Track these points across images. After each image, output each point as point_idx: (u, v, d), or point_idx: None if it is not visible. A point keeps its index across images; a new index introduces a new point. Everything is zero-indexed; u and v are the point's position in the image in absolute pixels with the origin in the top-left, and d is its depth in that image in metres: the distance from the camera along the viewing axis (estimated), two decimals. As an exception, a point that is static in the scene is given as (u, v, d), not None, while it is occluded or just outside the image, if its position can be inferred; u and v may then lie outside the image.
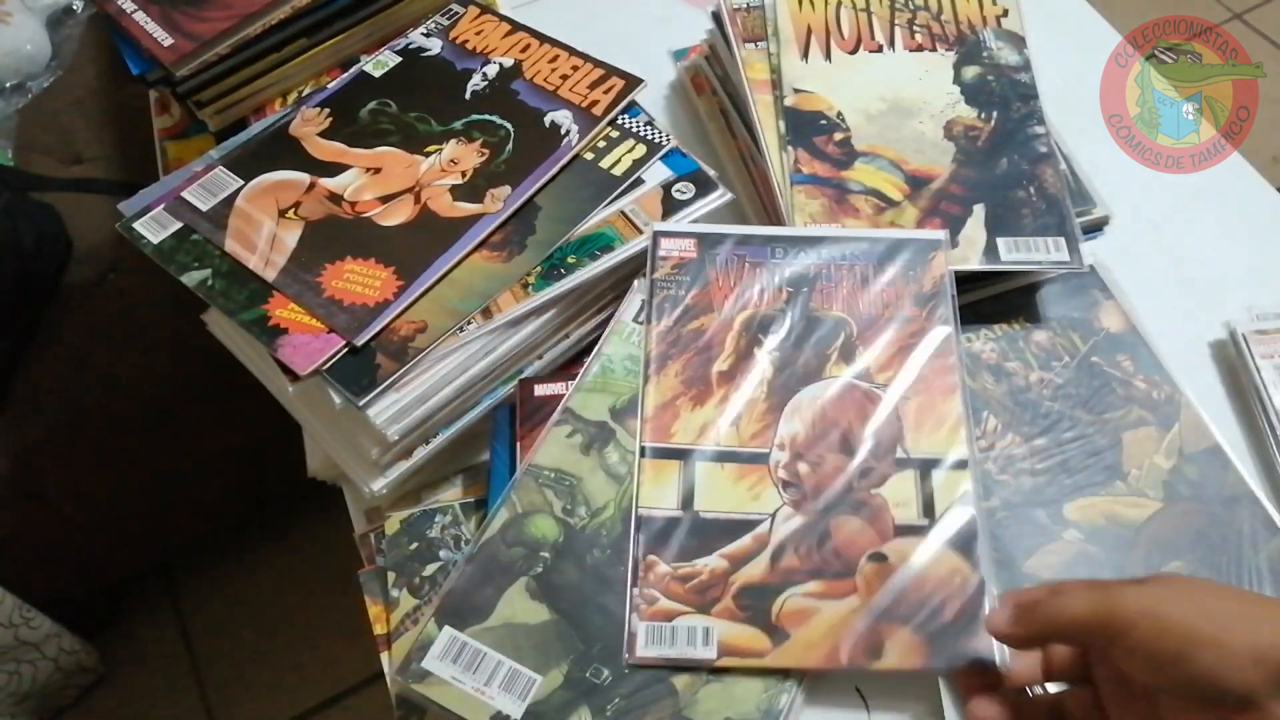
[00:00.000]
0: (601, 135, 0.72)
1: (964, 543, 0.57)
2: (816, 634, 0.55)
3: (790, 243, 0.67)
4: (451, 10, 0.81)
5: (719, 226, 0.69)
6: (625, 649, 0.54)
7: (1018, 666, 0.51)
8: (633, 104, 0.74)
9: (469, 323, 0.63)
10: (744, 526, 0.58)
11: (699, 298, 0.65)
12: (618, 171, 0.70)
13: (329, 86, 0.77)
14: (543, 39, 0.78)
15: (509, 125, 0.72)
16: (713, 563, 0.57)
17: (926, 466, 0.59)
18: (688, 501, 0.59)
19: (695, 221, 0.69)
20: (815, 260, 0.67)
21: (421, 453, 0.66)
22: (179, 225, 0.67)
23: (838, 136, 0.75)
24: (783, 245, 0.67)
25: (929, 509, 0.58)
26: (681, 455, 0.60)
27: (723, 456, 0.60)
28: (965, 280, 0.74)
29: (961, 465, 0.59)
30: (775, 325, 0.64)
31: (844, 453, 0.60)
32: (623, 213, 0.68)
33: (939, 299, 0.65)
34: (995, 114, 0.77)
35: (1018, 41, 0.81)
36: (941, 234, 0.68)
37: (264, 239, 0.66)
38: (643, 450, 0.60)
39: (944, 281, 0.65)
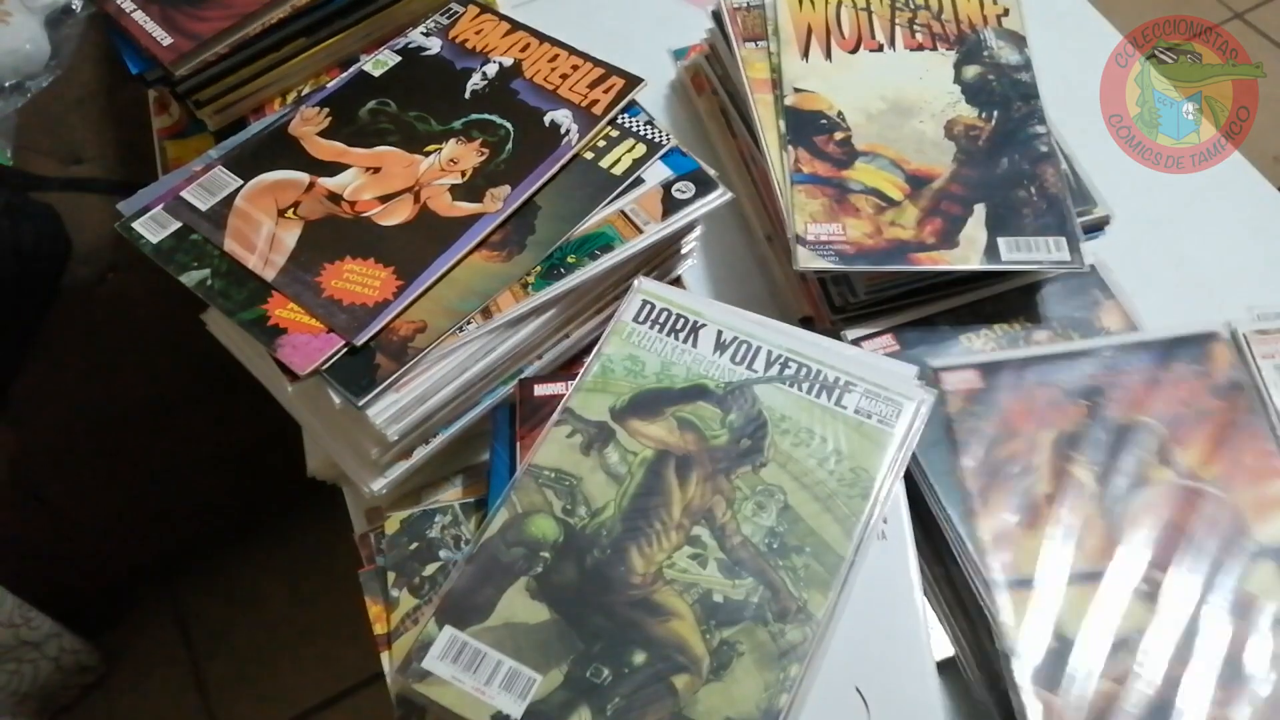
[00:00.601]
0: (601, 135, 0.72)
1: None
2: None
3: (1070, 358, 0.68)
4: (451, 9, 0.81)
5: (994, 354, 0.69)
6: None
7: None
8: (633, 103, 0.74)
9: (469, 323, 0.63)
10: (1122, 646, 0.57)
11: (1000, 426, 0.65)
12: (618, 171, 0.70)
13: (328, 86, 0.77)
14: (542, 38, 0.78)
15: (509, 125, 0.72)
16: (1101, 686, 0.56)
17: None
18: (1060, 630, 0.58)
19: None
20: (1100, 370, 0.67)
21: (421, 453, 0.66)
22: (178, 225, 0.67)
23: (838, 136, 0.75)
24: (1064, 360, 0.68)
25: None
26: (1037, 584, 0.59)
27: (1078, 578, 0.59)
28: (965, 280, 0.74)
29: None
30: (1083, 440, 0.64)
31: (1197, 555, 0.60)
32: (622, 212, 0.68)
33: (1237, 388, 0.66)
34: (996, 113, 0.76)
35: (1018, 41, 0.81)
36: (1218, 325, 0.69)
37: (263, 239, 0.66)
38: (994, 584, 0.59)
39: (1232, 371, 0.67)
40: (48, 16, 1.32)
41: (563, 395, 0.63)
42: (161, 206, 0.68)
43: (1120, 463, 0.63)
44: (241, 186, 0.69)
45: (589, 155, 0.71)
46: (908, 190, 0.73)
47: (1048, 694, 0.56)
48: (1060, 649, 0.57)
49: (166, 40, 0.77)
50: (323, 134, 0.73)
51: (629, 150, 0.71)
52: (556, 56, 0.77)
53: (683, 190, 0.69)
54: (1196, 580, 0.59)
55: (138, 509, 1.26)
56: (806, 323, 0.75)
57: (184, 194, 0.69)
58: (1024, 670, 0.56)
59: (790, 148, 0.75)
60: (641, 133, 0.72)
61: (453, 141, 0.71)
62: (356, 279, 0.64)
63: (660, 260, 0.73)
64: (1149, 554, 0.60)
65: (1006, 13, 0.82)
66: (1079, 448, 0.64)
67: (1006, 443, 0.64)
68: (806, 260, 0.70)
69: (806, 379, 0.62)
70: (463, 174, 0.69)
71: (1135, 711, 0.55)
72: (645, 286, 0.67)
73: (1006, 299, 0.73)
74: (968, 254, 0.70)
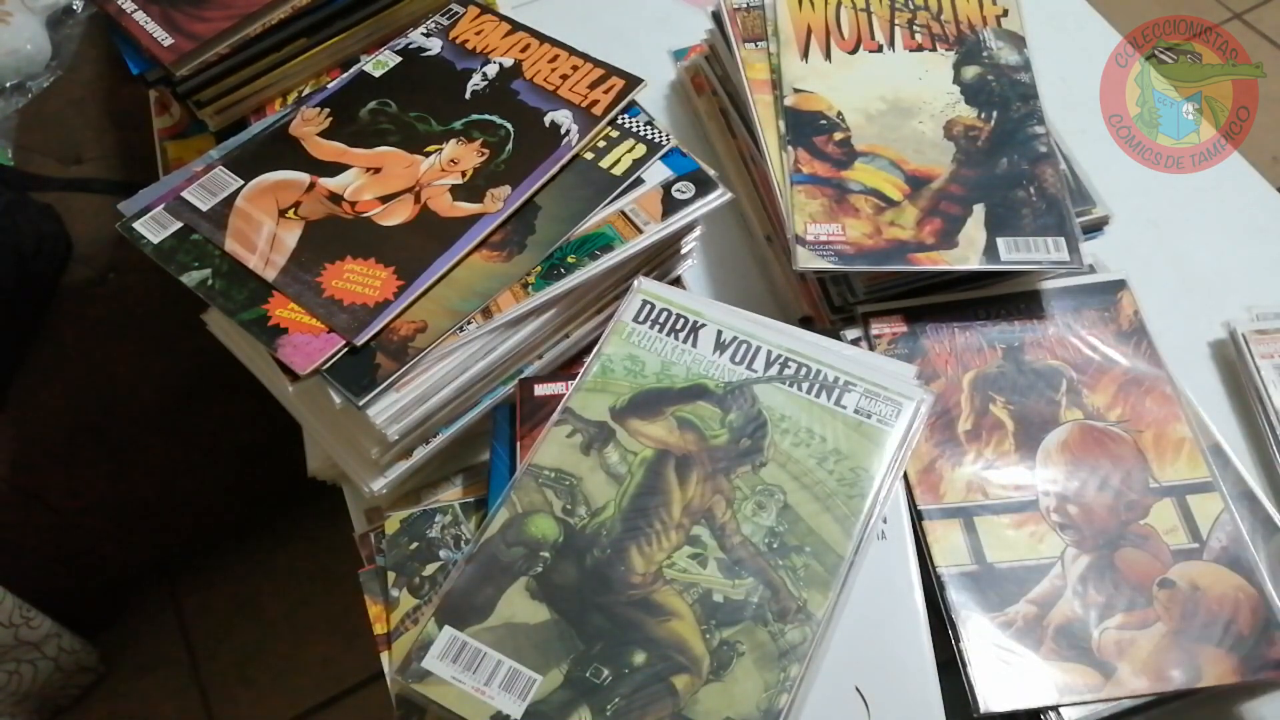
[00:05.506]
0: (601, 135, 0.72)
1: (1235, 560, 0.61)
2: (1139, 663, 0.58)
3: (990, 304, 0.72)
4: (451, 10, 0.81)
5: (918, 300, 0.72)
6: (972, 703, 0.57)
7: None
8: (633, 104, 0.74)
9: (469, 323, 0.63)
10: (1038, 571, 0.61)
11: (923, 365, 0.69)
12: (618, 171, 0.70)
13: (329, 86, 0.77)
14: (543, 39, 0.78)
15: (509, 125, 0.72)
16: (1023, 609, 0.60)
17: (1179, 492, 0.64)
18: (979, 556, 0.62)
19: (897, 298, 0.73)
20: (1016, 316, 0.72)
21: (421, 453, 0.66)
22: (179, 225, 0.67)
23: (838, 136, 0.75)
24: (984, 307, 0.72)
25: (1194, 533, 0.62)
26: (959, 513, 0.64)
27: (997, 509, 0.64)
28: (964, 280, 0.74)
29: (1207, 488, 0.64)
30: (1001, 381, 0.69)
31: (1103, 490, 0.64)
32: (623, 212, 0.68)
33: (1139, 334, 0.70)
34: (995, 114, 0.77)
35: (1018, 41, 0.81)
36: (1122, 274, 0.73)
37: (264, 239, 0.66)
38: (921, 514, 0.63)
39: (1138, 318, 0.71)
40: (49, 17, 1.32)
41: (563, 395, 0.63)
42: (162, 207, 0.68)
43: (1034, 403, 0.67)
44: (242, 187, 0.69)
45: (589, 155, 0.71)
46: (907, 190, 0.73)
47: (978, 615, 0.60)
48: (983, 573, 0.61)
49: (167, 41, 0.77)
50: (323, 134, 0.73)
51: (629, 150, 0.71)
52: (557, 57, 0.77)
53: (682, 190, 0.69)
54: (1104, 515, 0.63)
55: (138, 508, 1.26)
56: (806, 323, 0.75)
57: (185, 194, 0.69)
58: (956, 593, 0.61)
59: (790, 148, 0.75)
60: (641, 133, 0.72)
61: (453, 142, 0.71)
62: (357, 279, 0.64)
63: (660, 260, 0.73)
64: (1059, 488, 0.64)
65: (1006, 13, 0.82)
66: (997, 388, 0.68)
67: (929, 383, 0.68)
68: (806, 260, 0.70)
69: (806, 379, 0.62)
70: (463, 174, 0.69)
71: (1053, 632, 0.59)
72: (645, 286, 0.67)
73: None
74: (967, 254, 0.70)
